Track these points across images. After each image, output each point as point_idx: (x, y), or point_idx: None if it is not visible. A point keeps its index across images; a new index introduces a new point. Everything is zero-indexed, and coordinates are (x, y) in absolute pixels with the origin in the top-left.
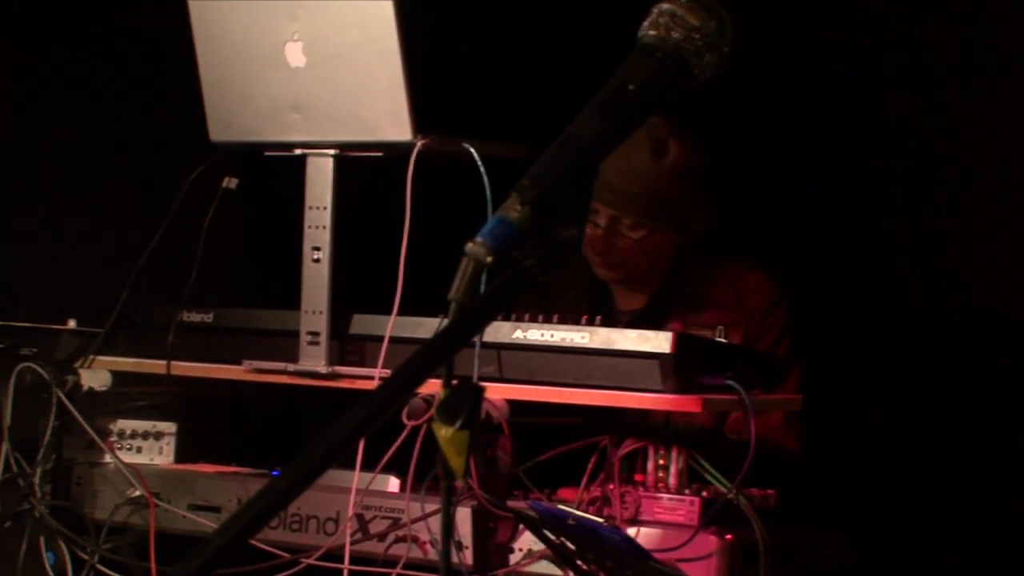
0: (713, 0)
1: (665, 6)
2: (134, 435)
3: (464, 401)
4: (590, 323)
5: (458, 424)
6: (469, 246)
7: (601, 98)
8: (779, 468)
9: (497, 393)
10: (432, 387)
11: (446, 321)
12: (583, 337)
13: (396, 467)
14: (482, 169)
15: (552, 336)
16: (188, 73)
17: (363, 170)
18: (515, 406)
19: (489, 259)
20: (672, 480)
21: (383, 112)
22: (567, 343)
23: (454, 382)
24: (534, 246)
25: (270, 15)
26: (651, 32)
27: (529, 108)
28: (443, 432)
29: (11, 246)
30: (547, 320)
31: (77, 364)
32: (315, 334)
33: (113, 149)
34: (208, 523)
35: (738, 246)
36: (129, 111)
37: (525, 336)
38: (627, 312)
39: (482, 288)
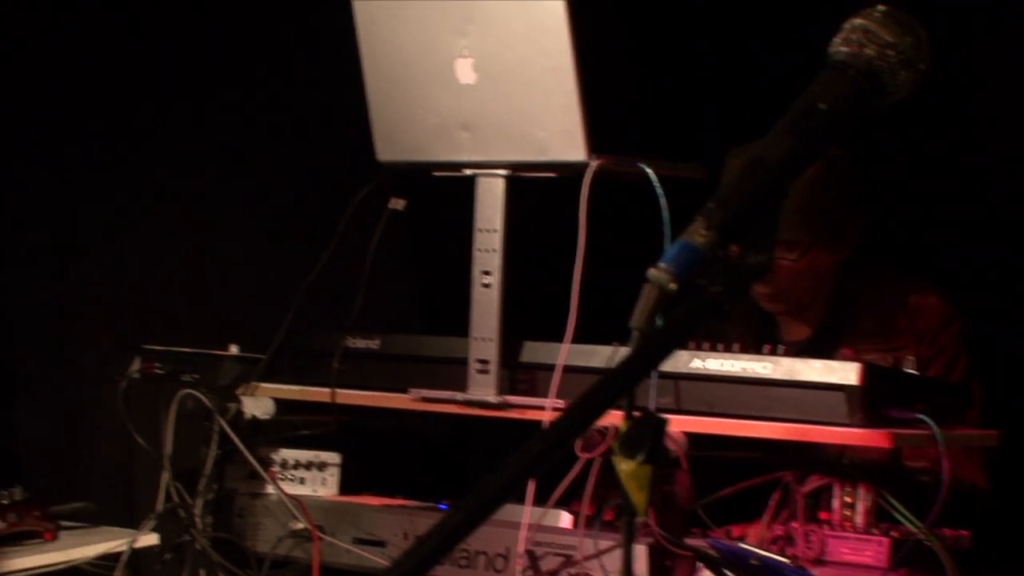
0: (908, 15)
1: (857, 21)
2: (297, 465)
3: (646, 434)
4: (772, 352)
5: (640, 458)
6: (652, 272)
7: (790, 118)
8: (969, 506)
9: (674, 425)
10: (607, 418)
11: (625, 350)
12: (765, 367)
13: (569, 501)
14: (659, 190)
15: (733, 366)
16: (354, 91)
17: (534, 190)
18: (692, 438)
19: (673, 286)
20: (859, 519)
21: (556, 131)
22: (748, 373)
23: (636, 414)
24: (720, 272)
25: (439, 31)
26: (843, 49)
27: (703, 127)
28: (624, 466)
29: (172, 270)
30: (727, 349)
31: (239, 391)
32: (484, 362)
33: (277, 171)
34: (373, 558)
35: (900, 260)
36: (294, 131)
37: (704, 366)
38: (794, 343)
39: (659, 316)
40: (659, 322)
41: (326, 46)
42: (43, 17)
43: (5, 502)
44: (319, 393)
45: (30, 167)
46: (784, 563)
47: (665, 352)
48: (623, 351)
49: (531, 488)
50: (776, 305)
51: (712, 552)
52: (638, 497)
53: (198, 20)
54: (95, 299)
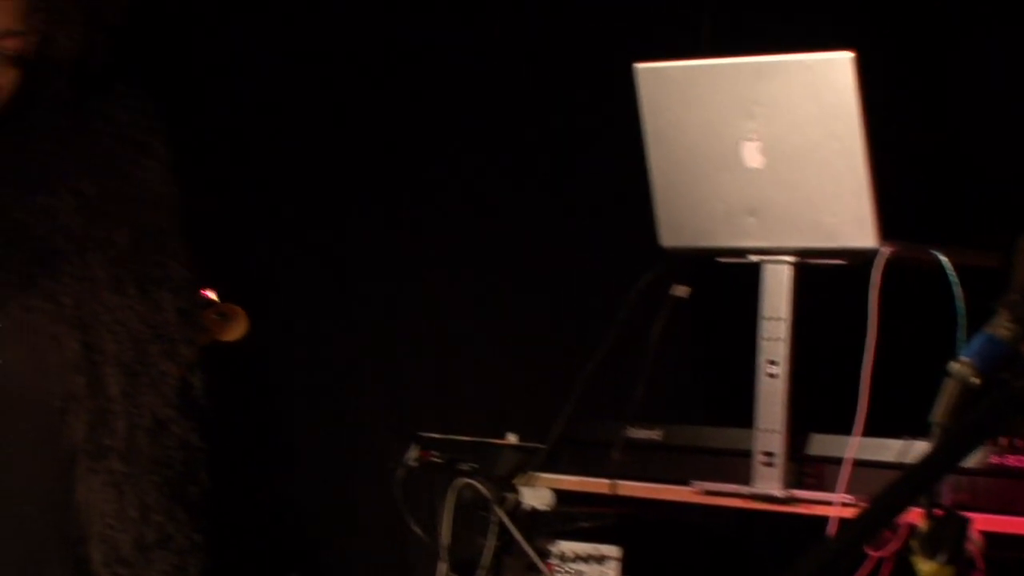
0: None
1: None
2: (576, 558)
3: (949, 534)
4: None
5: (943, 559)
6: (954, 366)
7: None
8: None
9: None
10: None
11: (920, 444)
12: None
13: None
14: (953, 279)
15: None
16: (636, 174)
17: (820, 277)
18: (989, 538)
19: (976, 380)
20: None
21: (846, 216)
22: None
23: (937, 512)
24: None
25: (726, 115)
26: None
27: (995, 211)
28: (926, 567)
29: (450, 357)
30: None
31: (518, 481)
32: (770, 454)
33: (557, 256)
34: None
35: None
36: (575, 216)
37: (1002, 462)
38: None
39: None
40: (961, 417)
41: (607, 126)
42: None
43: None
44: (599, 484)
45: (309, 252)
46: None
47: (968, 449)
48: (916, 445)
49: None
50: None
51: None
52: None
53: (469, 98)
54: (372, 385)
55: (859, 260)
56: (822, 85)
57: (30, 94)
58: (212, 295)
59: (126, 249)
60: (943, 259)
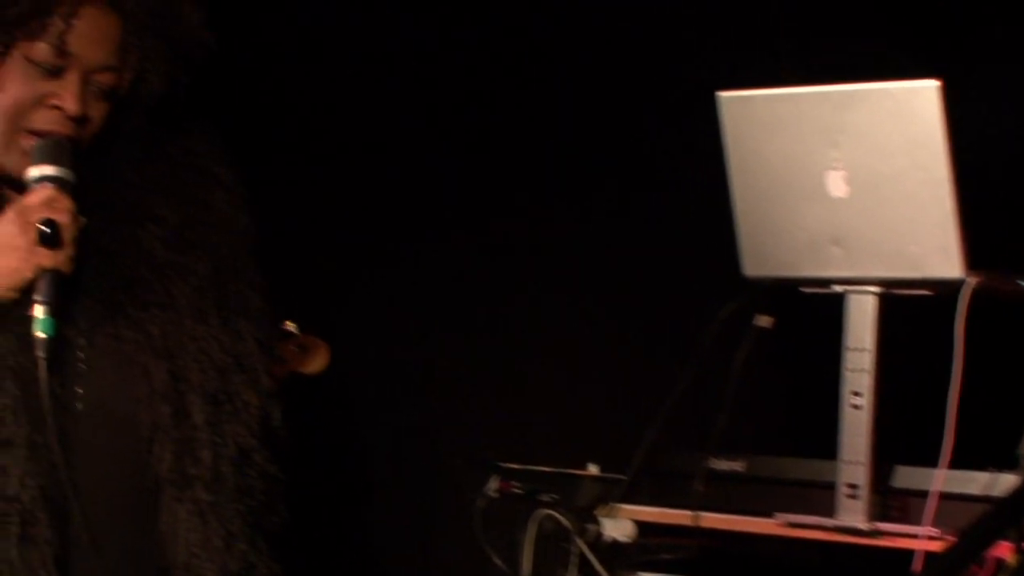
0: None
1: None
2: None
3: None
4: None
5: None
6: None
7: None
8: None
9: None
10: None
11: (1009, 477)
12: None
13: None
14: None
15: None
16: (719, 204)
17: (905, 308)
18: None
19: None
20: None
21: (931, 247)
22: None
23: None
24: None
25: (810, 144)
26: None
27: None
28: None
29: (530, 387)
30: None
31: (598, 512)
32: (854, 487)
33: (636, 287)
34: None
35: None
36: (656, 245)
37: None
38: None
39: None
40: None
41: (688, 154)
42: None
43: None
44: (680, 516)
45: (388, 282)
46: None
47: None
48: (1003, 478)
49: None
50: None
51: None
52: None
53: (553, 127)
54: (452, 415)
55: (945, 290)
56: (907, 113)
57: (115, 127)
58: (292, 327)
59: (207, 278)
60: None
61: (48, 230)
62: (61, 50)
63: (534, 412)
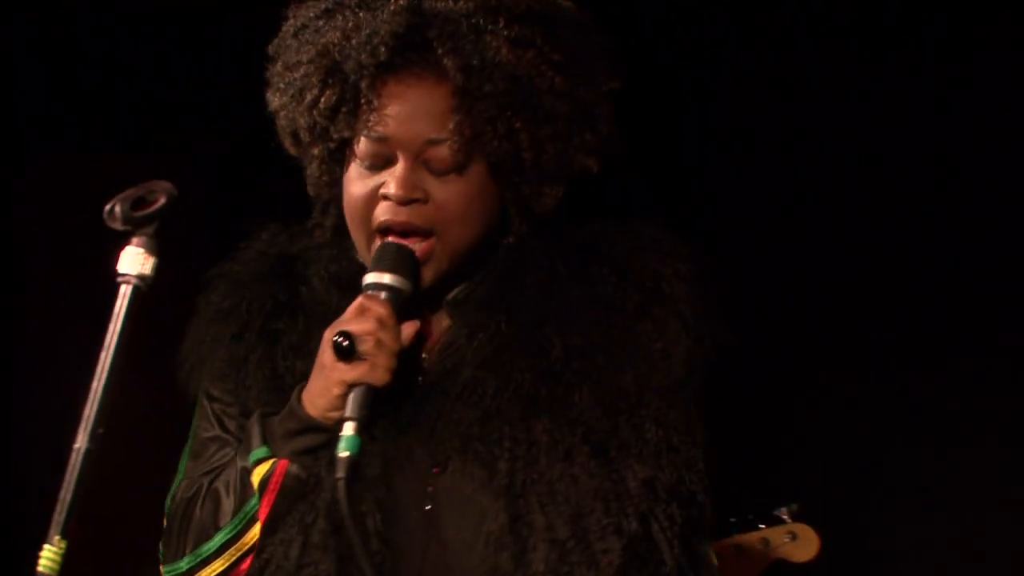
0: None
1: None
2: None
3: None
4: None
5: None
6: None
7: None
8: None
9: None
10: None
11: None
12: None
13: None
14: None
15: None
16: None
17: None
18: None
19: None
20: None
21: None
22: None
23: None
24: None
25: None
26: None
27: None
28: None
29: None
30: None
31: None
32: None
33: None
34: None
35: None
36: None
37: None
38: None
39: None
40: None
41: None
42: None
43: None
44: None
45: None
46: None
47: None
48: None
49: None
50: None
51: None
52: None
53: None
54: None
55: None
56: None
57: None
58: (785, 514)
59: (586, 410)
60: None
61: (345, 342)
62: (374, 137)
63: None
